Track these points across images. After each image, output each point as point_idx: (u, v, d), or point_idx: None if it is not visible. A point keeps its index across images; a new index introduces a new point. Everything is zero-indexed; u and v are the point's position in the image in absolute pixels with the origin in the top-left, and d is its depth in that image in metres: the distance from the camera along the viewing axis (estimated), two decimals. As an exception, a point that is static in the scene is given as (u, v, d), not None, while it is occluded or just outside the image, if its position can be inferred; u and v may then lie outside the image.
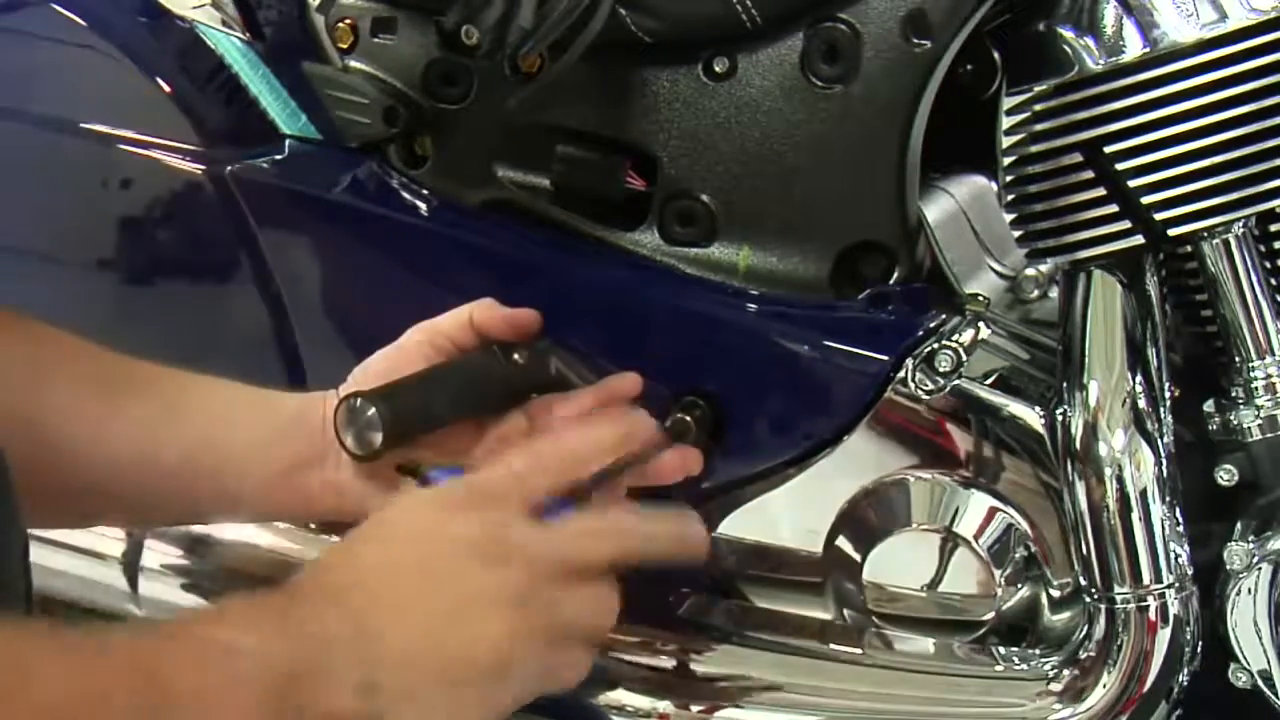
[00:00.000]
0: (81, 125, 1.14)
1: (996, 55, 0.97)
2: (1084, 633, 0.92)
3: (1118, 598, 0.90)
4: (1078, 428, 0.90)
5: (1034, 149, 0.91)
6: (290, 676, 0.63)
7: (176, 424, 0.88)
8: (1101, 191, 0.89)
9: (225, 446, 0.88)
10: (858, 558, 0.97)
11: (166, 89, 1.12)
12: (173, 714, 0.58)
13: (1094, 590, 0.90)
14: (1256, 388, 0.92)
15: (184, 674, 0.59)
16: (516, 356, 0.93)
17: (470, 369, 0.92)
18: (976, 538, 0.95)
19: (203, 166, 1.10)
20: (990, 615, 0.96)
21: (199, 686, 0.59)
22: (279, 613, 0.66)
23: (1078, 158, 0.90)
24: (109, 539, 1.15)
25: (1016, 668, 0.94)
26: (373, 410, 0.85)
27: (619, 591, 0.76)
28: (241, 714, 0.60)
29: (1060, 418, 0.91)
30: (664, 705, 0.98)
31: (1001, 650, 0.96)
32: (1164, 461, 0.90)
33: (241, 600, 0.66)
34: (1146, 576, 0.89)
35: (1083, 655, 0.92)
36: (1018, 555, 0.95)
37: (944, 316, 0.96)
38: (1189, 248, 0.93)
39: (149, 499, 0.89)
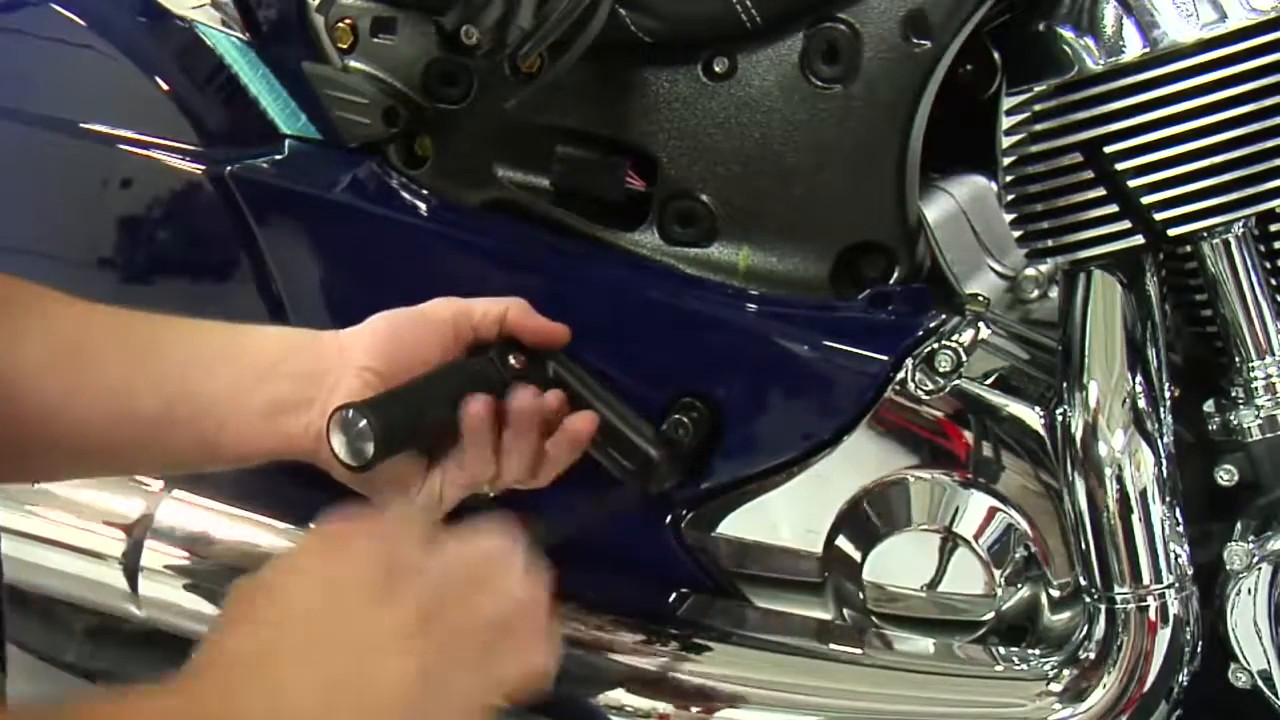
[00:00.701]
0: (81, 125, 1.14)
1: (996, 55, 0.97)
2: (1084, 633, 0.92)
3: (1118, 598, 0.89)
4: (1078, 428, 0.90)
5: (1034, 149, 0.91)
6: None
7: (149, 378, 0.86)
8: (1101, 191, 0.89)
9: (202, 396, 0.87)
10: (858, 558, 0.97)
11: (166, 89, 1.12)
12: None
13: (1094, 590, 0.90)
14: (1256, 388, 0.92)
15: None
16: (513, 361, 0.92)
17: (467, 375, 0.90)
18: (976, 538, 0.95)
19: (202, 166, 1.10)
20: (990, 615, 0.96)
21: None
22: (187, 702, 0.62)
23: (1078, 158, 0.89)
24: (109, 539, 1.15)
25: (1016, 668, 0.94)
26: (364, 421, 0.84)
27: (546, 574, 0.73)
28: None
29: (1060, 418, 0.91)
30: (664, 705, 0.98)
31: (1001, 650, 0.96)
32: (1164, 461, 0.90)
33: (147, 689, 0.62)
34: (1146, 576, 0.89)
35: (1083, 655, 0.91)
36: (1018, 555, 0.95)
37: (944, 317, 0.96)
38: (1189, 248, 0.93)
39: (123, 452, 0.87)
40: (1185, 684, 0.91)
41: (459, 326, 0.91)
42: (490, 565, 0.71)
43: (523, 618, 0.71)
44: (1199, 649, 0.91)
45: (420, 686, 0.65)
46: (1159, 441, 0.90)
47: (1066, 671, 0.92)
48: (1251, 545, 0.91)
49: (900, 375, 0.94)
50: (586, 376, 0.94)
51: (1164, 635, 0.90)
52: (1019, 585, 0.96)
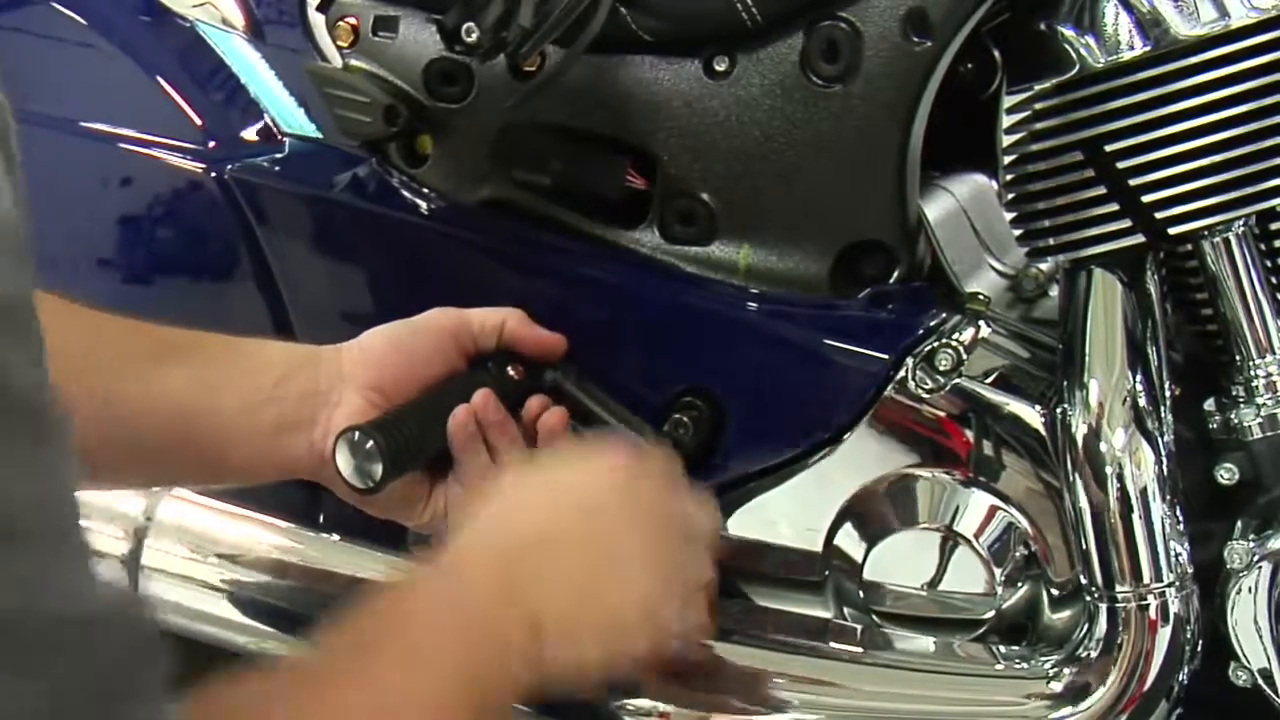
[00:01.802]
0: (82, 124, 1.14)
1: (997, 54, 0.97)
2: (1084, 631, 0.92)
3: (1118, 596, 0.89)
4: (1078, 426, 0.90)
5: (1034, 147, 0.91)
6: (468, 629, 0.71)
7: (155, 400, 0.86)
8: (1102, 190, 0.89)
9: (207, 417, 0.87)
10: (858, 556, 0.97)
11: (167, 88, 1.13)
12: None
13: (1094, 589, 0.90)
14: (1257, 386, 0.92)
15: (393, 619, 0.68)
16: (512, 371, 0.92)
17: (468, 390, 0.90)
18: (977, 536, 0.95)
19: (203, 165, 1.10)
20: (990, 614, 0.96)
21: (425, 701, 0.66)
22: (450, 585, 0.73)
23: (1078, 156, 0.90)
24: (110, 538, 1.15)
25: (1017, 667, 0.94)
26: (371, 443, 0.83)
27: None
28: (443, 659, 0.68)
29: (1061, 416, 0.91)
30: (664, 704, 0.98)
31: (1002, 649, 0.96)
32: (1164, 460, 0.90)
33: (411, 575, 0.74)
34: (1147, 575, 0.89)
35: (1083, 654, 0.91)
36: (1018, 554, 0.95)
37: (944, 315, 0.96)
38: (1189, 246, 0.93)
39: (126, 469, 0.87)
40: (1185, 682, 0.91)
41: (459, 337, 0.92)
42: (706, 533, 0.86)
43: (706, 589, 0.87)
44: (1199, 647, 0.91)
45: (650, 602, 0.80)
46: (1159, 440, 0.90)
47: (1067, 670, 0.92)
48: (1252, 544, 0.91)
49: (900, 374, 0.94)
50: (586, 383, 0.94)
51: (1164, 634, 0.89)
52: (1019, 584, 0.96)
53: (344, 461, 0.84)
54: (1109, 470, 0.89)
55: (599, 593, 0.78)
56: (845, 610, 0.99)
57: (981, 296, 0.99)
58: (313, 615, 1.10)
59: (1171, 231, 0.89)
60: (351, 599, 0.68)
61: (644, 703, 0.99)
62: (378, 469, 0.84)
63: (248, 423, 0.87)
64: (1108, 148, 0.88)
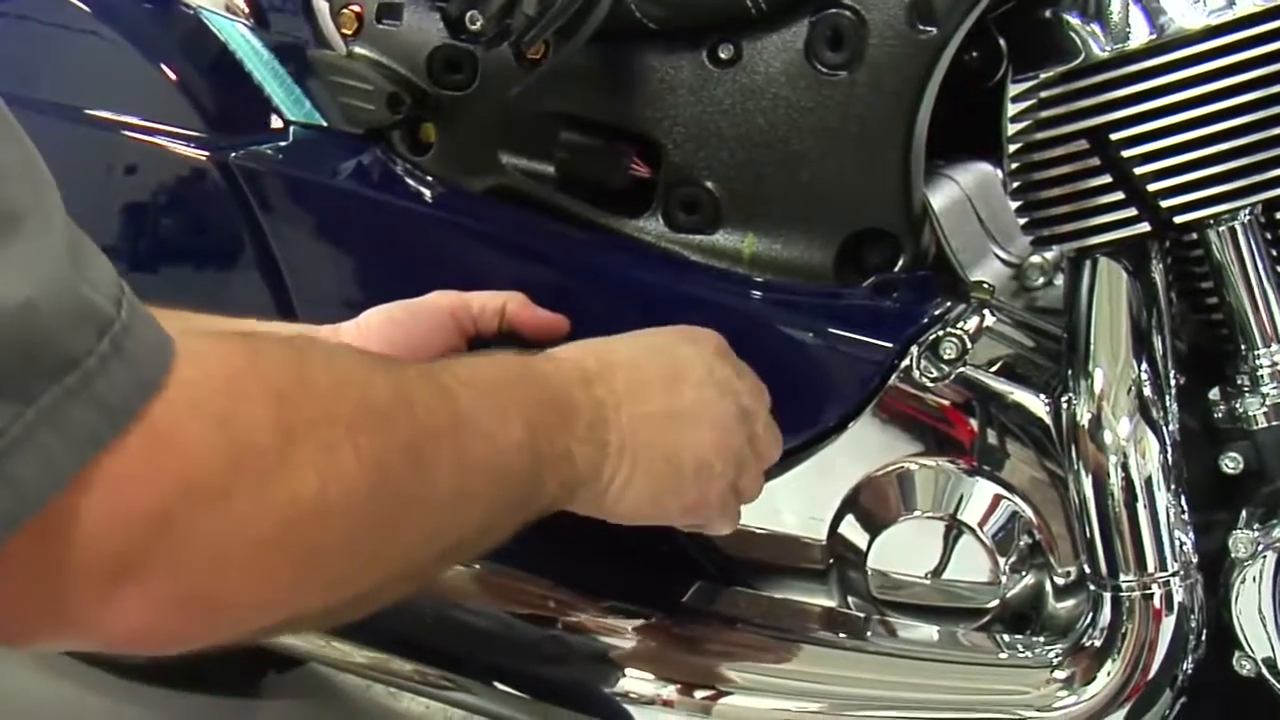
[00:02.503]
0: (86, 112, 1.14)
1: (1002, 42, 0.97)
2: (1088, 620, 0.92)
3: (1122, 585, 0.89)
4: (1083, 415, 0.90)
5: (1039, 136, 0.91)
6: (540, 424, 0.73)
7: None
8: (1107, 179, 0.89)
9: None
10: (862, 545, 0.97)
11: (171, 75, 1.12)
12: (462, 427, 0.67)
13: (1098, 578, 0.90)
14: (1262, 375, 0.92)
15: (468, 395, 0.68)
16: None
17: None
18: (981, 525, 0.95)
19: (207, 153, 1.10)
20: (995, 603, 0.96)
21: (478, 409, 0.68)
22: (534, 383, 0.76)
23: (1084, 145, 0.89)
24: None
25: (1021, 655, 0.94)
26: None
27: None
28: (507, 441, 0.70)
29: (1065, 405, 0.91)
30: (668, 691, 0.98)
31: (1006, 638, 0.96)
32: (1169, 449, 0.90)
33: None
34: (1151, 564, 0.89)
35: (1087, 643, 0.92)
36: (1022, 543, 0.95)
37: (949, 304, 0.96)
38: (1195, 235, 0.93)
39: None
40: (1189, 672, 0.91)
41: (459, 318, 0.91)
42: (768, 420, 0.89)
43: (760, 470, 0.89)
44: (1203, 637, 0.91)
45: (710, 459, 0.83)
46: (1164, 429, 0.90)
47: (1071, 659, 0.92)
48: (1256, 533, 0.91)
49: (905, 363, 0.94)
50: None
51: (1168, 623, 0.90)
52: (1023, 573, 0.96)
53: None
54: (1113, 459, 0.89)
55: (665, 434, 0.81)
56: (849, 599, 0.99)
57: (986, 285, 0.99)
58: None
59: (1177, 220, 0.89)
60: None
61: (648, 689, 0.99)
62: None
63: None
64: (1113, 136, 0.88)
